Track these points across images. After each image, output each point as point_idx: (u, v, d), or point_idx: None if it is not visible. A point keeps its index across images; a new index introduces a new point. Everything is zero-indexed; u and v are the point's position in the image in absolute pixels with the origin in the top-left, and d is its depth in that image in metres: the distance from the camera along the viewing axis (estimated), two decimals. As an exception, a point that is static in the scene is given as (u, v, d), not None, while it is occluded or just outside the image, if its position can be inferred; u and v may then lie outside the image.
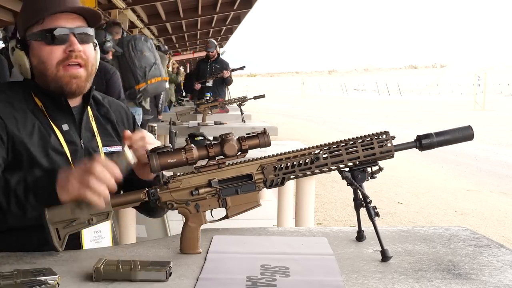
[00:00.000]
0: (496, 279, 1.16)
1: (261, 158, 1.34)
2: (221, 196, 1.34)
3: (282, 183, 1.35)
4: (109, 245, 1.52)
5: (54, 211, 1.31)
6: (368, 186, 1.34)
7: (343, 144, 1.33)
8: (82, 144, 1.52)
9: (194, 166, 1.36)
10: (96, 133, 1.56)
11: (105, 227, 1.55)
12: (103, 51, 4.92)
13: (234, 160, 1.34)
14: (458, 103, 28.30)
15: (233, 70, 8.32)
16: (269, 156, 1.35)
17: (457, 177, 7.82)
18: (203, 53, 8.41)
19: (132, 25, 11.06)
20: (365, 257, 1.32)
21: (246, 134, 1.34)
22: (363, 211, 1.37)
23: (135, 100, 5.23)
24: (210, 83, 7.87)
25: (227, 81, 8.16)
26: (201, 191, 1.33)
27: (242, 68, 8.55)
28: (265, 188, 1.37)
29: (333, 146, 1.33)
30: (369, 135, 1.34)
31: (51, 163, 1.45)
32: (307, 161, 1.33)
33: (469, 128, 1.37)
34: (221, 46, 23.60)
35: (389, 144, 1.33)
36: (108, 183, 1.24)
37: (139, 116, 5.22)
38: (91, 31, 1.49)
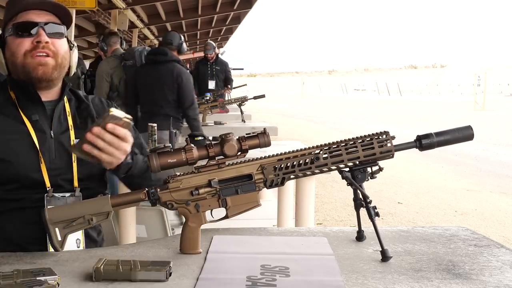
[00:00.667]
0: (496, 279, 1.16)
1: (261, 158, 1.34)
2: (221, 196, 1.34)
3: (282, 183, 1.35)
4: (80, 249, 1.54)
5: (54, 211, 1.32)
6: (368, 186, 1.34)
7: (343, 144, 1.33)
8: (52, 134, 1.57)
9: (194, 166, 1.36)
10: (71, 126, 1.61)
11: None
12: (180, 52, 4.91)
13: (234, 160, 1.34)
14: (458, 103, 28.29)
15: (234, 69, 8.33)
16: (269, 156, 1.35)
17: (457, 177, 7.83)
18: (203, 53, 8.39)
19: (132, 25, 11.05)
20: (365, 257, 1.32)
21: (246, 134, 1.34)
22: (363, 211, 1.37)
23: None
24: (212, 85, 7.87)
25: (228, 81, 8.17)
26: (201, 191, 1.33)
27: (241, 68, 8.58)
28: (265, 188, 1.37)
29: (333, 146, 1.33)
30: (369, 135, 1.34)
31: (12, 152, 1.50)
32: (307, 161, 1.33)
33: (469, 128, 1.37)
34: (221, 46, 23.59)
35: (389, 144, 1.33)
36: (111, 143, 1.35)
37: None
38: (61, 27, 1.58)
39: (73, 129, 1.60)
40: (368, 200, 1.33)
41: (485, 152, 10.42)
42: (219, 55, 8.45)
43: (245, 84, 6.80)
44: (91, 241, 1.63)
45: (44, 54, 1.52)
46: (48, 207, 1.34)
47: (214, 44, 8.26)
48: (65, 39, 1.60)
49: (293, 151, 1.34)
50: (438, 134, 1.36)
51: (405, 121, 17.32)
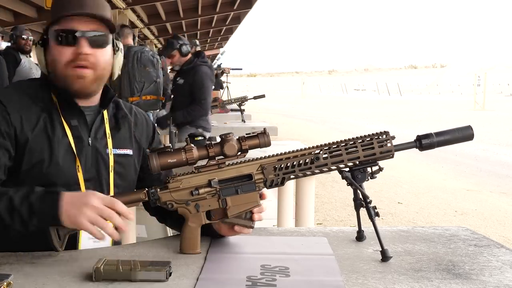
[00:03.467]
0: (496, 279, 1.16)
1: (261, 158, 1.35)
2: (221, 196, 1.34)
3: (282, 183, 1.35)
4: (108, 245, 1.52)
5: None
6: (368, 186, 1.34)
7: (343, 144, 1.33)
8: (90, 141, 1.53)
9: (194, 166, 1.36)
10: (108, 135, 1.57)
11: None
12: (182, 54, 4.87)
13: (234, 160, 1.34)
14: (458, 103, 28.29)
15: (233, 69, 8.30)
16: (269, 156, 1.35)
17: (457, 177, 7.82)
18: None
19: (132, 25, 11.04)
20: (365, 257, 1.32)
21: (246, 134, 1.34)
22: (363, 211, 1.37)
23: None
24: None
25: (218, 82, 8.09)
26: (201, 191, 1.33)
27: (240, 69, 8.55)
28: (265, 188, 1.37)
29: (333, 146, 1.33)
30: (369, 135, 1.34)
31: (52, 154, 1.46)
32: (307, 161, 1.33)
33: (469, 128, 1.37)
34: (221, 46, 23.59)
35: (389, 144, 1.33)
36: (110, 219, 1.27)
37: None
38: (104, 36, 1.50)
39: (110, 137, 1.56)
40: (368, 200, 1.33)
41: (485, 152, 10.42)
42: (220, 55, 8.43)
43: (264, 96, 6.67)
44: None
45: (84, 66, 1.47)
46: None
47: (197, 42, 8.21)
48: (109, 46, 1.53)
49: (293, 151, 1.34)
50: (438, 134, 1.36)
51: (405, 121, 17.32)
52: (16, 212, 1.27)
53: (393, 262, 1.27)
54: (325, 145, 1.34)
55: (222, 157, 1.33)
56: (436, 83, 57.15)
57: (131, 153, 1.60)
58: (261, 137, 1.33)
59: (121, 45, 1.59)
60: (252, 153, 1.38)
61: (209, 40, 20.46)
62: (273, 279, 1.15)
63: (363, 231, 1.46)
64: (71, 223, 1.27)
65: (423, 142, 1.35)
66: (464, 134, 1.36)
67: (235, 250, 1.38)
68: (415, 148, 1.37)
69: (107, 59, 1.53)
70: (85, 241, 1.49)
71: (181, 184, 1.34)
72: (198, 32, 17.48)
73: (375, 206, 1.34)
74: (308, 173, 1.35)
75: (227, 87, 11.25)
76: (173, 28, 15.38)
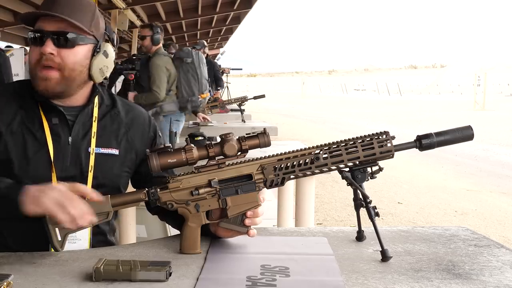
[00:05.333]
0: (496, 279, 1.16)
1: (261, 158, 1.35)
2: (221, 196, 1.34)
3: (282, 183, 1.35)
4: (86, 247, 1.50)
5: None
6: (368, 186, 1.34)
7: (343, 144, 1.33)
8: (70, 140, 1.51)
9: (194, 166, 1.36)
10: (93, 133, 1.54)
11: (83, 230, 1.49)
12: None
13: (234, 160, 1.34)
14: (458, 103, 28.28)
15: (233, 69, 8.28)
16: (269, 156, 1.35)
17: (457, 177, 7.82)
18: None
19: (132, 25, 11.04)
20: (365, 257, 1.32)
21: (246, 134, 1.34)
22: (363, 211, 1.37)
23: (197, 109, 5.34)
24: None
25: (218, 81, 8.09)
26: (201, 191, 1.33)
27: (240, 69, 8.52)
28: (265, 188, 1.37)
29: (333, 146, 1.33)
30: (369, 135, 1.34)
31: (25, 148, 1.47)
32: (307, 161, 1.33)
33: (469, 128, 1.37)
34: (221, 46, 23.58)
35: (389, 144, 1.33)
36: (81, 216, 1.28)
37: (181, 123, 5.30)
38: (73, 36, 1.46)
39: (95, 136, 1.54)
40: (368, 200, 1.33)
41: (485, 152, 10.42)
42: (220, 55, 8.43)
43: (264, 96, 6.70)
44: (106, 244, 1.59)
45: (49, 66, 1.45)
46: None
47: (205, 43, 8.23)
48: (81, 47, 1.48)
49: (293, 151, 1.34)
50: (438, 134, 1.36)
51: (405, 121, 17.31)
52: None
53: (393, 262, 1.27)
54: (325, 145, 1.34)
55: (222, 157, 1.33)
56: (436, 83, 57.12)
57: (117, 153, 1.56)
58: (261, 137, 1.33)
59: (108, 48, 1.55)
60: (252, 153, 1.38)
61: (209, 40, 20.45)
62: (273, 279, 1.15)
63: (363, 231, 1.46)
64: (35, 205, 1.28)
65: (423, 142, 1.35)
66: (464, 134, 1.36)
67: (235, 250, 1.38)
68: (415, 148, 1.37)
69: (77, 60, 1.48)
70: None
71: (181, 184, 1.34)
72: (198, 32, 17.46)
73: (375, 206, 1.34)
74: (308, 173, 1.35)
75: (227, 87, 11.26)
76: (173, 28, 15.38)
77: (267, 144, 1.33)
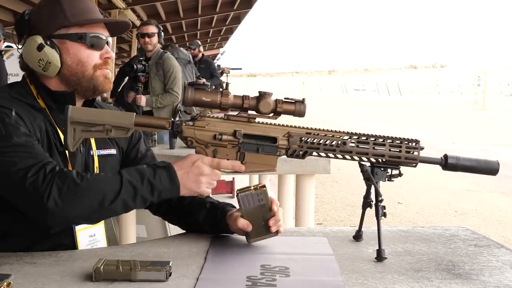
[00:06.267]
0: (496, 279, 1.17)
1: (291, 126, 1.34)
2: (241, 149, 1.34)
3: (303, 156, 1.34)
4: (104, 245, 1.53)
5: (77, 111, 1.31)
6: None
7: (373, 138, 1.33)
8: (81, 146, 1.50)
9: (225, 113, 1.35)
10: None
11: (99, 231, 1.54)
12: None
13: (265, 120, 1.33)
14: (458, 103, 28.28)
15: (232, 69, 8.27)
16: (299, 127, 1.34)
17: (457, 177, 7.82)
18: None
19: (132, 25, 11.06)
20: (365, 257, 1.32)
21: (285, 98, 1.33)
22: (368, 212, 1.37)
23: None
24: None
25: (213, 79, 8.05)
26: (224, 137, 1.33)
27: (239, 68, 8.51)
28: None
29: (362, 138, 1.33)
30: (400, 138, 1.34)
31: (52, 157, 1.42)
32: (333, 143, 1.32)
33: (496, 163, 1.37)
34: (221, 46, 23.58)
35: (416, 153, 1.32)
36: (215, 181, 1.35)
37: None
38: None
39: (93, 138, 1.54)
40: (380, 199, 1.33)
41: (485, 152, 10.42)
42: (220, 55, 8.44)
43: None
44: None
45: (108, 68, 1.52)
46: (73, 106, 1.32)
47: (199, 43, 8.24)
48: None
49: (323, 129, 1.34)
50: (465, 159, 1.36)
51: (405, 121, 17.31)
52: (139, 196, 1.29)
53: (393, 262, 1.27)
54: (355, 133, 1.34)
55: (255, 112, 1.32)
56: (436, 83, 57.11)
57: (115, 153, 1.60)
58: (298, 105, 1.32)
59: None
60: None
61: (209, 40, 20.46)
62: (273, 279, 1.15)
63: (362, 231, 1.46)
64: (191, 193, 1.34)
65: (448, 162, 1.34)
66: (490, 167, 1.36)
67: (235, 250, 1.38)
68: (439, 166, 1.36)
69: None
70: (83, 241, 1.49)
71: (207, 125, 1.33)
72: (198, 32, 17.47)
73: (384, 206, 1.33)
74: (331, 155, 1.34)
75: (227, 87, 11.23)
76: (173, 28, 15.38)
77: (302, 114, 1.32)
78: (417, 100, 33.09)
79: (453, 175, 7.94)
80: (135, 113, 1.33)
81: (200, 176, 1.32)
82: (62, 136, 1.46)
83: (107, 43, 1.53)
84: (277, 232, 1.39)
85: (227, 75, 10.35)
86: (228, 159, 1.35)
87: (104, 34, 1.52)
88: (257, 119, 1.33)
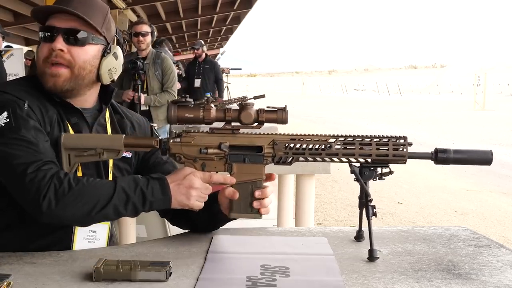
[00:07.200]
0: (496, 279, 1.17)
1: (275, 134, 1.35)
2: (228, 160, 1.35)
3: (290, 163, 1.36)
4: (103, 245, 1.52)
5: (69, 138, 1.36)
6: (369, 186, 1.34)
7: (359, 139, 1.33)
8: None
9: (210, 127, 1.37)
10: (109, 133, 1.56)
11: (102, 229, 1.53)
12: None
13: (249, 130, 1.35)
14: (458, 103, 28.27)
15: (232, 69, 8.25)
16: (283, 134, 1.35)
17: (457, 177, 7.82)
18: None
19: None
20: (365, 257, 1.32)
21: (267, 107, 1.35)
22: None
23: None
24: (198, 84, 7.75)
25: (218, 82, 8.04)
26: (210, 151, 1.35)
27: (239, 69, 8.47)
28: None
29: (348, 139, 1.34)
30: (386, 136, 1.34)
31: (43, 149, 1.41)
32: (319, 147, 1.34)
33: (489, 152, 1.34)
34: (221, 46, 23.59)
35: (404, 150, 1.32)
36: (206, 195, 1.37)
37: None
38: (84, 34, 1.45)
39: None
40: (369, 198, 1.33)
41: (485, 152, 10.40)
42: (220, 55, 8.43)
43: (264, 96, 6.66)
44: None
45: (58, 63, 1.43)
46: (65, 133, 1.37)
47: (202, 42, 8.21)
48: (91, 47, 1.47)
49: (308, 135, 1.35)
50: (456, 151, 1.34)
51: (405, 121, 17.30)
52: (131, 203, 1.32)
53: (393, 262, 1.28)
54: (341, 136, 1.35)
55: (238, 124, 1.34)
56: (436, 83, 57.11)
57: (130, 156, 1.59)
58: (279, 113, 1.34)
59: (118, 51, 1.55)
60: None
61: (209, 40, 20.46)
62: (273, 279, 1.15)
63: (363, 231, 1.46)
64: (181, 206, 1.36)
65: (438, 156, 1.33)
66: (482, 157, 1.34)
67: (235, 250, 1.38)
68: (430, 160, 1.35)
69: (87, 59, 1.47)
70: (80, 242, 1.49)
71: (193, 140, 1.36)
72: (198, 32, 17.48)
73: (374, 206, 1.34)
74: (318, 158, 1.35)
75: (227, 87, 11.25)
76: (173, 28, 15.39)
77: (284, 121, 1.34)
78: (417, 100, 33.09)
79: (453, 175, 7.95)
80: (124, 135, 1.38)
81: (190, 189, 1.34)
82: (69, 127, 1.48)
83: (63, 35, 1.44)
84: (260, 215, 1.38)
85: (227, 75, 10.36)
86: (217, 172, 1.37)
87: (57, 24, 1.45)
88: (241, 130, 1.35)
